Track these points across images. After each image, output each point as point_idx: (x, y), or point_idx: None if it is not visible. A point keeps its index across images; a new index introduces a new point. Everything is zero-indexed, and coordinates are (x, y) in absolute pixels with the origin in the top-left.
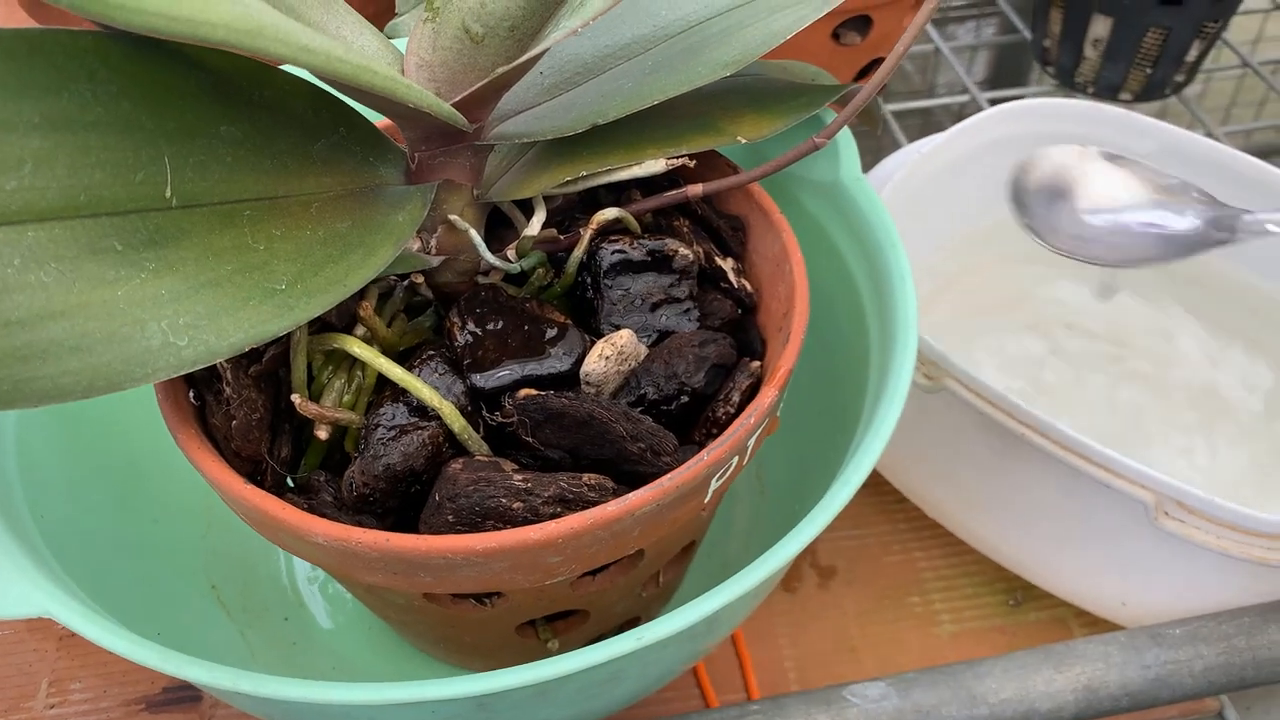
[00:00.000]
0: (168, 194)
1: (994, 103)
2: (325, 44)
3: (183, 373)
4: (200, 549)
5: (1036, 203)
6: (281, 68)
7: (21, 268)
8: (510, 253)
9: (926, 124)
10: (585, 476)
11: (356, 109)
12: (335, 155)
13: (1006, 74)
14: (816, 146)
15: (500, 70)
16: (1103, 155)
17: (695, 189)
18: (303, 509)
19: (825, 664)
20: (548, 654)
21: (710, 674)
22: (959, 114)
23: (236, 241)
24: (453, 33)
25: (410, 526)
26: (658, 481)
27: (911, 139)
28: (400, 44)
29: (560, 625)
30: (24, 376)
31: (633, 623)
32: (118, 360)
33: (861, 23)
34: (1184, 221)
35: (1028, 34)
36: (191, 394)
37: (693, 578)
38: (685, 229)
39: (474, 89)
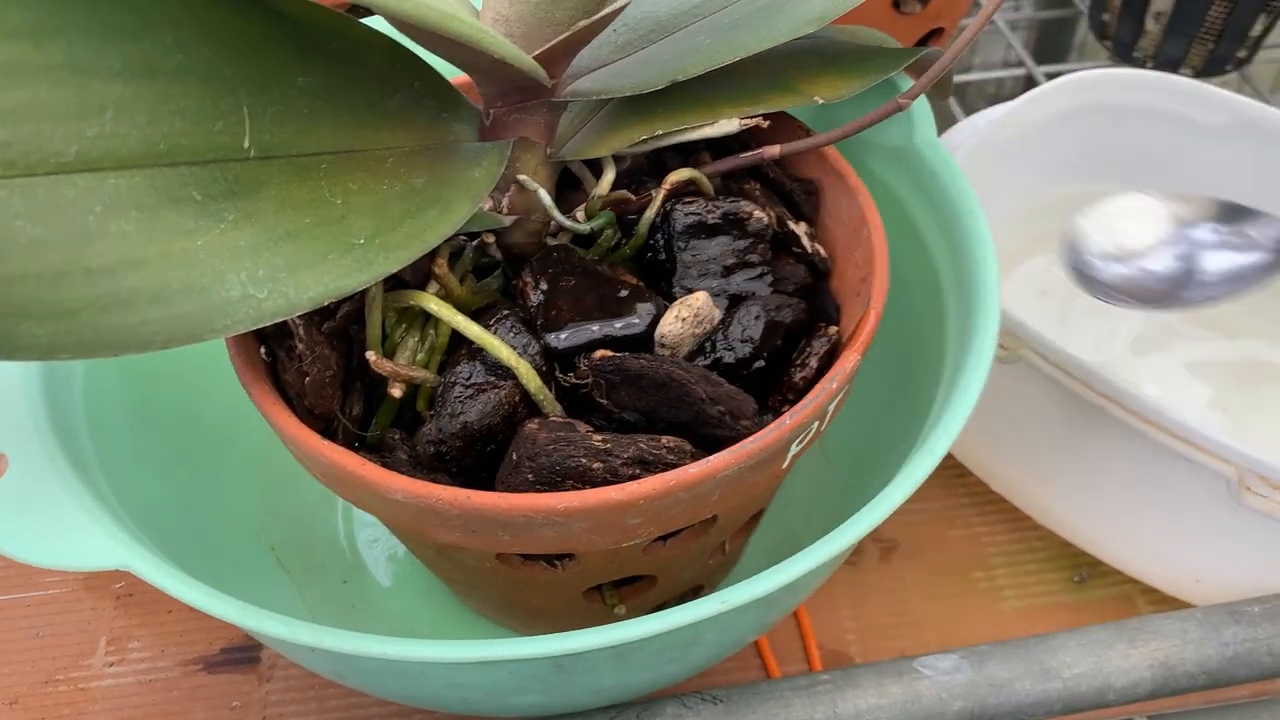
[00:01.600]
0: (246, 144)
1: (1049, 76)
2: None
3: (261, 325)
4: (260, 509)
5: (1099, 263)
6: (358, 19)
7: (103, 215)
8: (579, 214)
9: (964, 101)
10: (664, 439)
11: (431, 63)
12: (410, 110)
13: (1047, 49)
14: (900, 107)
15: (581, 24)
16: (1158, 196)
17: (773, 150)
18: (379, 466)
19: (887, 638)
20: (613, 619)
21: (772, 647)
22: (997, 90)
23: (314, 194)
24: None
25: (483, 486)
26: (740, 444)
27: (966, 114)
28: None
29: (626, 591)
30: (105, 325)
31: (696, 591)
32: (197, 311)
33: None
34: (1248, 256)
35: (1082, 7)
36: (263, 350)
37: (755, 548)
38: (757, 192)
39: (554, 43)
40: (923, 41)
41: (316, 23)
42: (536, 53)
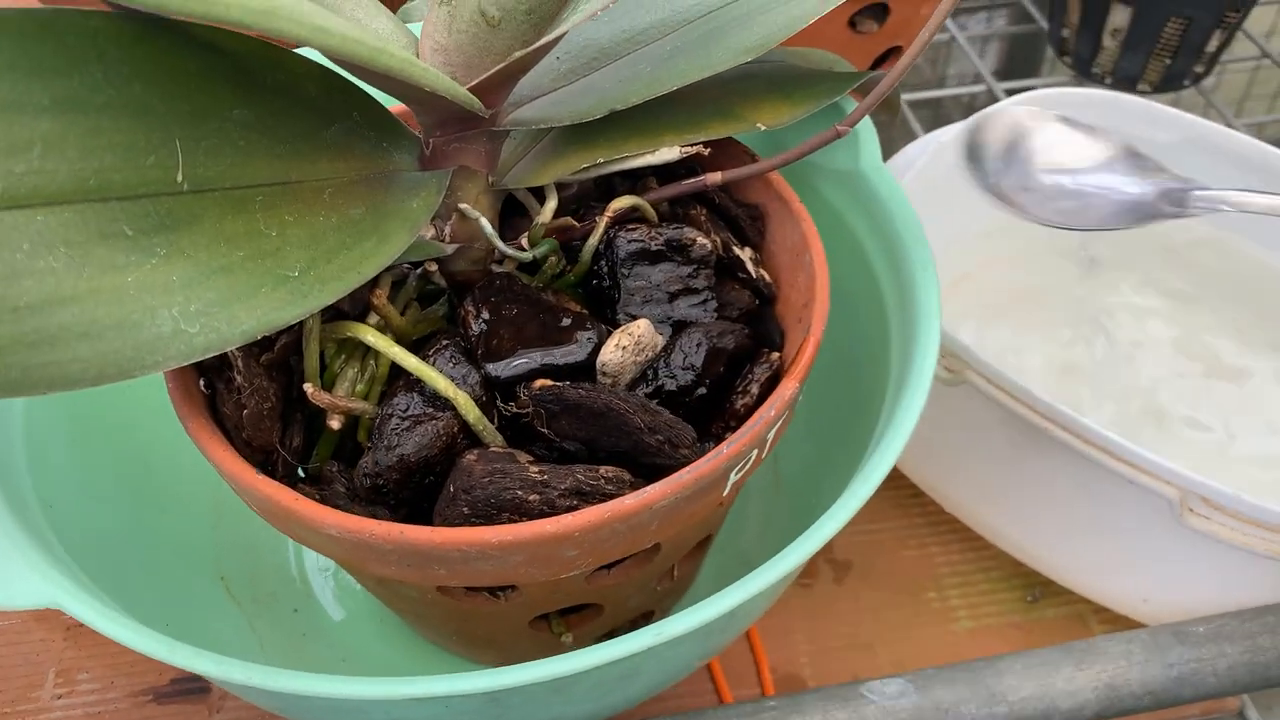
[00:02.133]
0: (179, 178)
1: (1009, 93)
2: (341, 25)
3: (194, 360)
4: (210, 540)
5: (992, 160)
6: (295, 50)
7: (30, 252)
8: (523, 241)
9: (937, 115)
10: (602, 469)
11: (370, 93)
12: (348, 140)
13: (1019, 64)
14: (839, 134)
15: (517, 54)
16: (1059, 117)
17: (714, 177)
18: (315, 500)
19: (840, 659)
20: (561, 647)
21: (724, 669)
22: (970, 105)
23: (249, 227)
24: (469, 16)
25: (423, 518)
26: (676, 475)
27: (926, 129)
28: (415, 28)
29: (574, 619)
30: (33, 363)
31: (647, 616)
32: (128, 347)
33: (879, 10)
34: (1136, 189)
35: (1044, 23)
36: (202, 382)
37: (707, 571)
38: (703, 217)
39: (490, 73)
40: (880, 60)
41: (252, 55)
42: (473, 83)
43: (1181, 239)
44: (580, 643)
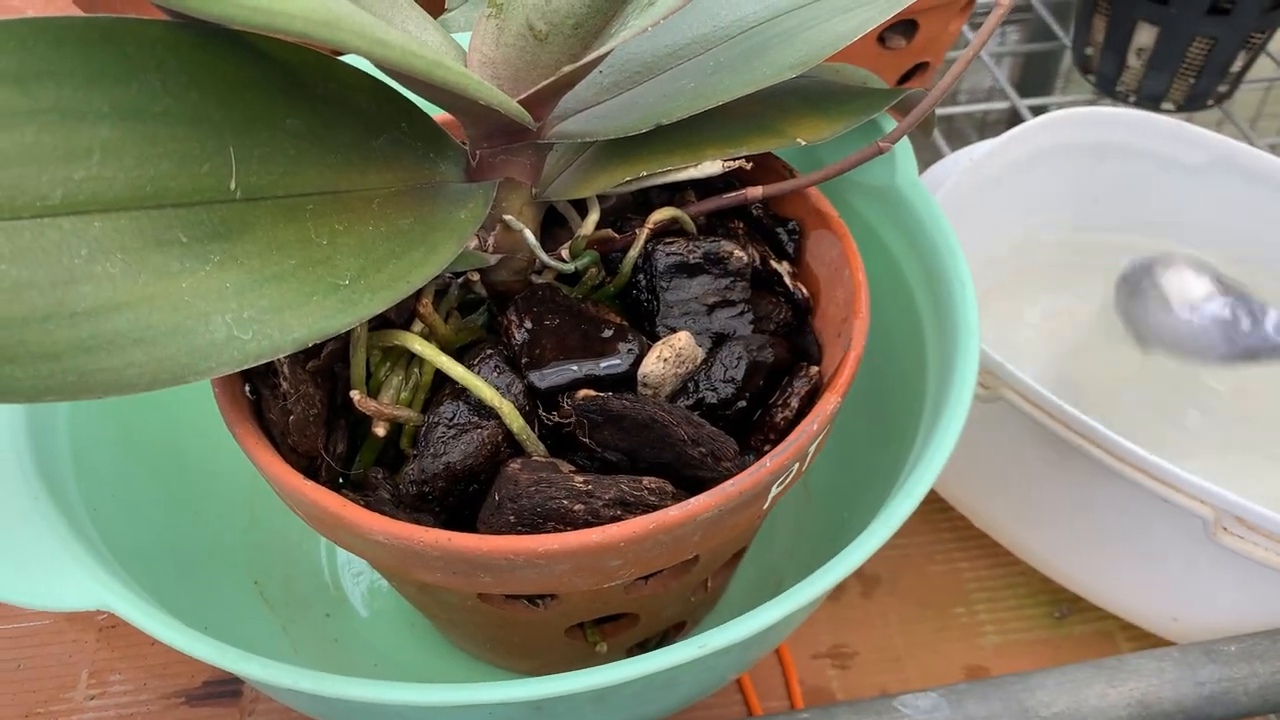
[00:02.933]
0: (233, 186)
1: (1034, 110)
2: (400, 38)
3: (246, 367)
4: (243, 544)
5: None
6: (345, 61)
7: (88, 258)
8: (564, 252)
9: (950, 129)
10: (645, 480)
11: (417, 104)
12: (396, 151)
13: (1033, 80)
14: (881, 151)
15: (567, 69)
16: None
17: (755, 191)
18: (360, 506)
19: (868, 673)
20: (595, 656)
21: (754, 682)
22: (984, 121)
23: (300, 235)
24: (517, 29)
25: (466, 525)
26: (721, 487)
27: (951, 145)
28: (459, 38)
29: (608, 628)
30: (90, 368)
31: (679, 628)
32: (182, 353)
33: (907, 27)
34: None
35: (1065, 39)
36: (247, 388)
37: (737, 584)
38: (740, 231)
39: (540, 87)
40: (908, 76)
41: (304, 65)
42: (522, 96)
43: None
44: (614, 652)
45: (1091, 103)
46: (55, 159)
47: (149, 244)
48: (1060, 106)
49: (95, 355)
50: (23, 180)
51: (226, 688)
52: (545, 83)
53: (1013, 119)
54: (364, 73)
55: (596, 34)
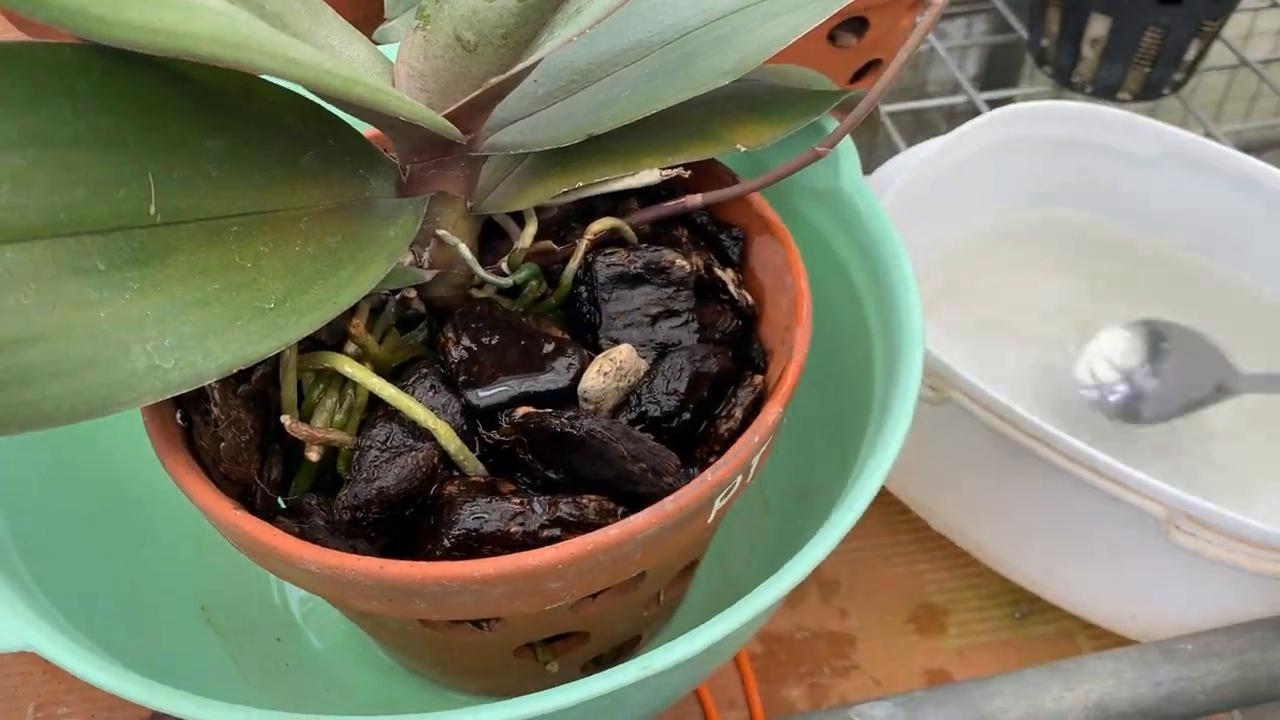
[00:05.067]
0: (152, 210)
1: (991, 103)
2: (313, 56)
3: (168, 396)
4: (191, 571)
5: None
6: (268, 79)
7: (3, 288)
8: (503, 265)
9: (919, 124)
10: (585, 498)
11: (345, 120)
12: (324, 168)
13: (999, 72)
14: (819, 155)
15: (494, 80)
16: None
17: (694, 199)
18: (294, 534)
19: (829, 679)
20: (546, 675)
21: (712, 692)
22: (951, 114)
23: (223, 259)
24: (444, 41)
25: (404, 549)
26: (659, 504)
27: (906, 139)
28: (390, 50)
29: (559, 646)
30: (4, 403)
31: (634, 641)
32: (101, 385)
33: (858, 24)
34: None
35: (1023, 32)
36: (179, 415)
37: (695, 593)
38: (685, 239)
39: (467, 99)
40: (860, 74)
41: (226, 85)
42: (449, 109)
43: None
44: (566, 669)
45: (1052, 96)
46: None
47: (64, 273)
48: (1023, 99)
49: (10, 390)
50: None
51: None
52: (472, 95)
53: (964, 113)
54: (288, 90)
55: (526, 44)
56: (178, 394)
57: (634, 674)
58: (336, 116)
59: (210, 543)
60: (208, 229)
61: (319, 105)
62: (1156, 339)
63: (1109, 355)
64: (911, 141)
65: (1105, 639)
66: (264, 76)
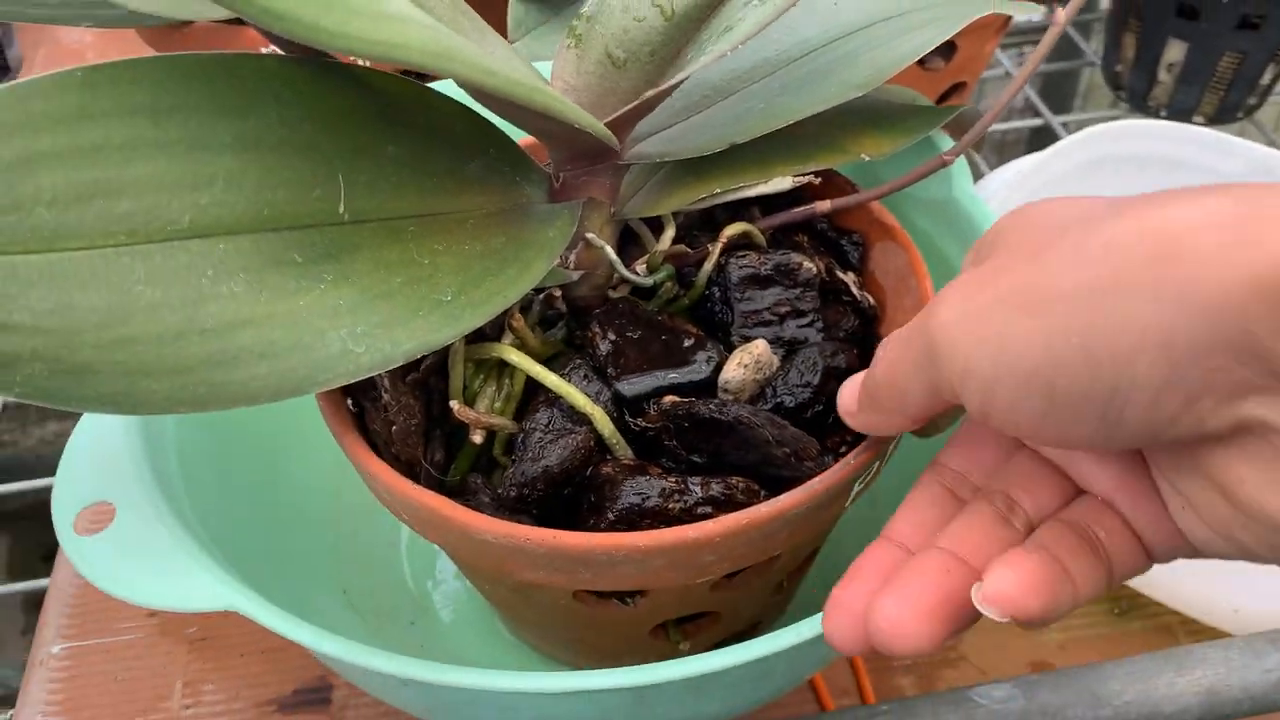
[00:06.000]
0: (341, 210)
1: (1065, 125)
2: (504, 66)
3: (360, 378)
4: (332, 555)
5: None
6: (440, 91)
7: (214, 278)
8: (640, 267)
9: (982, 144)
10: (733, 479)
11: (504, 130)
12: (487, 174)
13: (1056, 96)
14: (945, 164)
15: (649, 94)
16: None
17: (824, 205)
18: (469, 509)
19: (933, 668)
20: (678, 655)
21: (826, 681)
22: (1003, 138)
23: (404, 255)
24: (596, 57)
25: (561, 525)
26: (808, 484)
27: (980, 158)
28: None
29: (690, 628)
30: (218, 381)
31: (754, 628)
32: (302, 366)
33: (946, 48)
34: None
35: (1090, 55)
36: (349, 402)
37: (802, 590)
38: (805, 243)
39: (623, 111)
40: (945, 95)
41: (404, 96)
42: (607, 120)
43: None
44: (695, 651)
45: (1112, 117)
46: (184, 186)
47: (268, 264)
48: (1086, 121)
49: (223, 369)
50: (155, 207)
51: (316, 695)
52: (628, 107)
53: (1034, 133)
54: (457, 102)
55: (671, 60)
56: (367, 376)
57: (791, 639)
58: (496, 127)
59: (348, 531)
60: (389, 228)
61: (483, 117)
62: None
63: None
64: (981, 161)
65: (1203, 634)
66: (437, 89)
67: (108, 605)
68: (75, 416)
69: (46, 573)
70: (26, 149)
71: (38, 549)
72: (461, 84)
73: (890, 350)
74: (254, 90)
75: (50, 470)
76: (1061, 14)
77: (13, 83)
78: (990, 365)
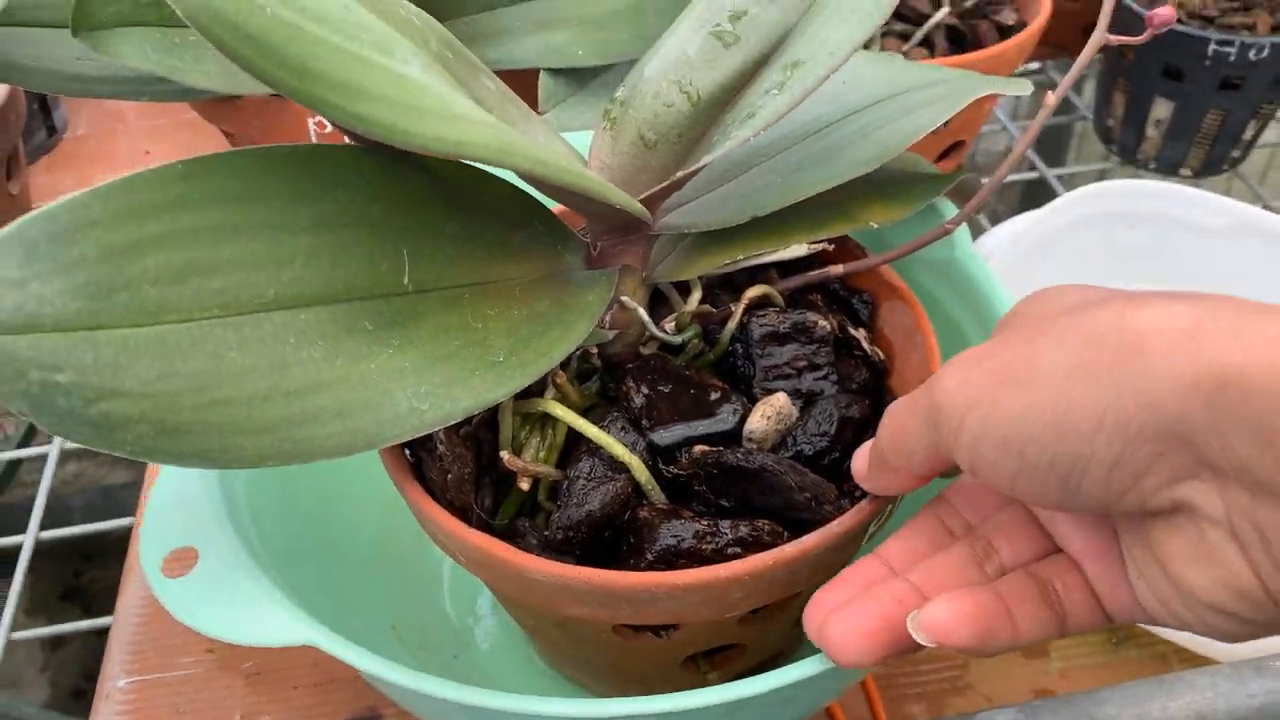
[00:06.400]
0: (405, 281)
1: (1060, 178)
2: (553, 156)
3: (423, 433)
4: (381, 593)
5: None
6: (494, 173)
7: (296, 345)
8: (669, 325)
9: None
10: (759, 521)
11: (545, 204)
12: (531, 245)
13: (1049, 149)
14: (948, 231)
15: (680, 174)
16: None
17: (837, 269)
18: (522, 551)
19: (942, 696)
20: (706, 684)
21: (843, 708)
22: (999, 189)
23: (460, 321)
24: (629, 139)
25: (598, 566)
26: (827, 527)
27: (984, 214)
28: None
29: (718, 659)
30: (301, 438)
31: (777, 658)
32: (373, 424)
33: None
34: None
35: (1082, 110)
36: (407, 452)
37: None
38: (819, 302)
39: (656, 189)
40: (946, 152)
41: (460, 178)
42: (641, 197)
43: None
44: (722, 680)
45: (1102, 172)
46: (268, 264)
47: (342, 332)
48: (1079, 174)
49: (304, 427)
50: (244, 283)
51: None
52: (660, 186)
53: (1030, 185)
54: (507, 182)
55: (697, 140)
56: (430, 431)
57: (814, 667)
58: (538, 201)
59: (395, 567)
60: (447, 296)
61: (526, 192)
62: None
63: None
64: (980, 219)
65: (1195, 662)
66: (489, 170)
67: (168, 641)
68: (94, 456)
69: (64, 612)
70: (135, 234)
71: (56, 587)
72: (517, 172)
73: (896, 415)
74: (327, 177)
75: (69, 511)
76: (1050, 97)
77: (123, 176)
78: (978, 426)
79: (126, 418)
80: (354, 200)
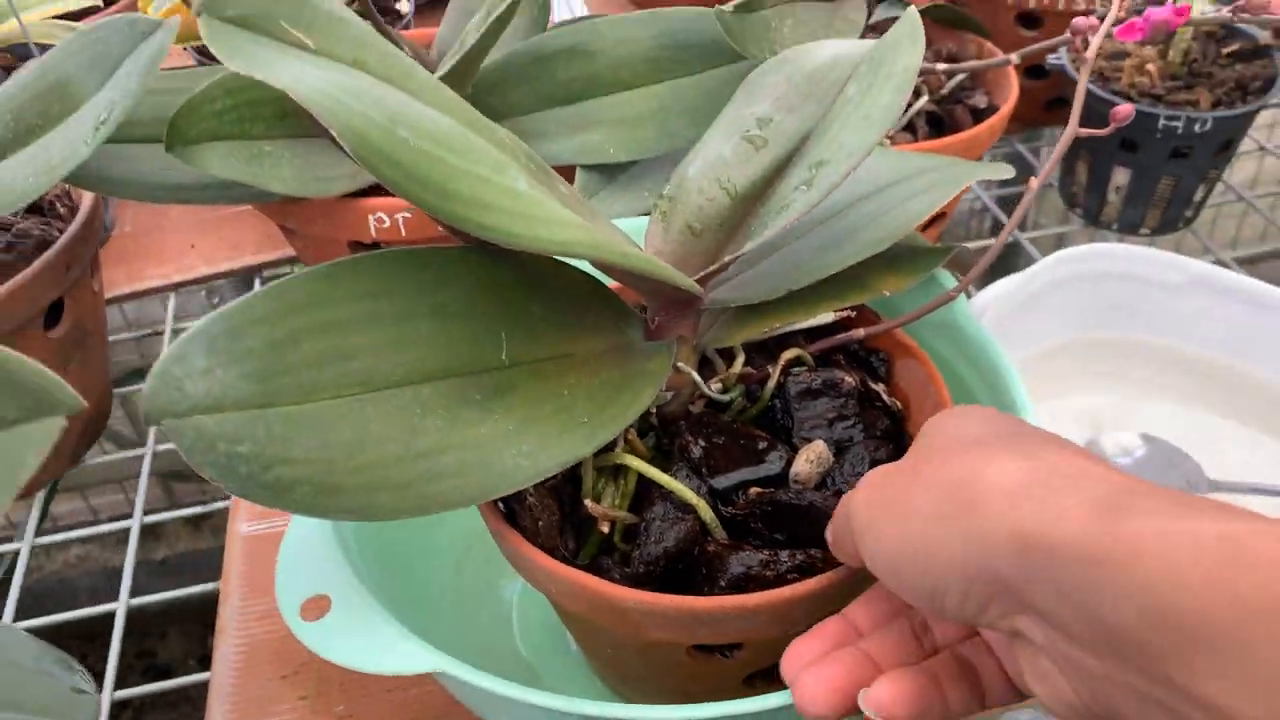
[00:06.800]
0: (503, 357)
1: (1032, 241)
2: (633, 250)
3: (523, 487)
4: (458, 630)
5: None
6: (571, 263)
7: (421, 415)
8: (715, 385)
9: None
10: (810, 550)
11: (608, 285)
12: (599, 321)
13: (1012, 206)
14: (952, 298)
15: (726, 259)
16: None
17: (858, 333)
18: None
19: None
20: None
21: None
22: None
23: (548, 389)
24: (678, 228)
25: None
26: None
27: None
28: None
29: (775, 679)
30: (429, 493)
31: None
32: (487, 479)
33: None
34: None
35: (1052, 179)
36: (500, 505)
37: None
38: (842, 361)
39: (708, 271)
40: (929, 224)
41: (545, 269)
42: (695, 277)
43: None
44: None
45: (1062, 235)
46: (396, 348)
47: (457, 402)
48: (1047, 236)
49: (431, 484)
50: (377, 364)
51: None
52: (711, 268)
53: (1015, 249)
54: (579, 269)
55: (737, 227)
56: (527, 486)
57: None
58: (601, 283)
59: (469, 610)
60: (535, 369)
61: (595, 277)
62: (1146, 442)
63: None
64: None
65: None
66: (569, 261)
67: (261, 693)
68: (99, 540)
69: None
70: (291, 327)
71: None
72: (596, 263)
73: (838, 512)
74: (442, 273)
75: (74, 593)
76: (1034, 182)
77: (278, 281)
78: (873, 545)
79: (295, 480)
80: (465, 291)
